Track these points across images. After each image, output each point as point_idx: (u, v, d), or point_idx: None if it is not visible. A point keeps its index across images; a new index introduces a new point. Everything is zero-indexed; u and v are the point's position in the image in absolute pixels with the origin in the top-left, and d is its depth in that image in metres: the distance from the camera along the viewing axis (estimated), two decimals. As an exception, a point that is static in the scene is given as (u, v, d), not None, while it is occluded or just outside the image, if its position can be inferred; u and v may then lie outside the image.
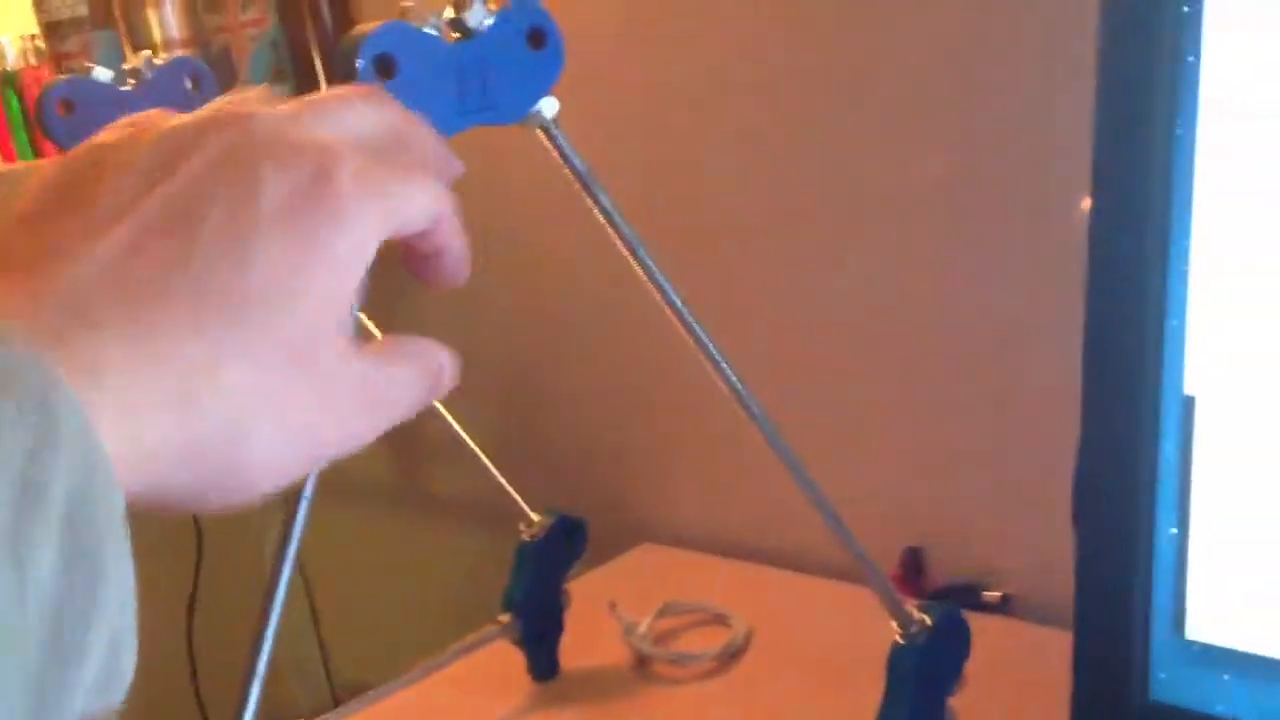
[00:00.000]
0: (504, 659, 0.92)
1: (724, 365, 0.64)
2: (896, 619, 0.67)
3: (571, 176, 0.59)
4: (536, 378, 1.22)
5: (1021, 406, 0.91)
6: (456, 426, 0.90)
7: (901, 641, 0.67)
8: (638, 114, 1.06)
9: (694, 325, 0.63)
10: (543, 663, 0.93)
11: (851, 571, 0.99)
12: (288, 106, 0.34)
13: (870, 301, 0.97)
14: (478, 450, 0.92)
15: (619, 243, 0.61)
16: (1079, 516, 0.57)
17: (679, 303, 0.62)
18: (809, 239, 0.99)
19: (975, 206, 0.89)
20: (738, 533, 1.10)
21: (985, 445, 0.94)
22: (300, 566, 1.47)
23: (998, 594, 0.89)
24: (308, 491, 0.56)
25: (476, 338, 1.21)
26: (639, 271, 0.61)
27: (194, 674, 1.42)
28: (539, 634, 0.93)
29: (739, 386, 0.64)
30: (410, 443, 1.34)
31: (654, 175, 1.05)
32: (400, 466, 1.37)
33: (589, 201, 0.59)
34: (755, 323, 1.01)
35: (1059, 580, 0.86)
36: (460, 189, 0.36)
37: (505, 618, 0.92)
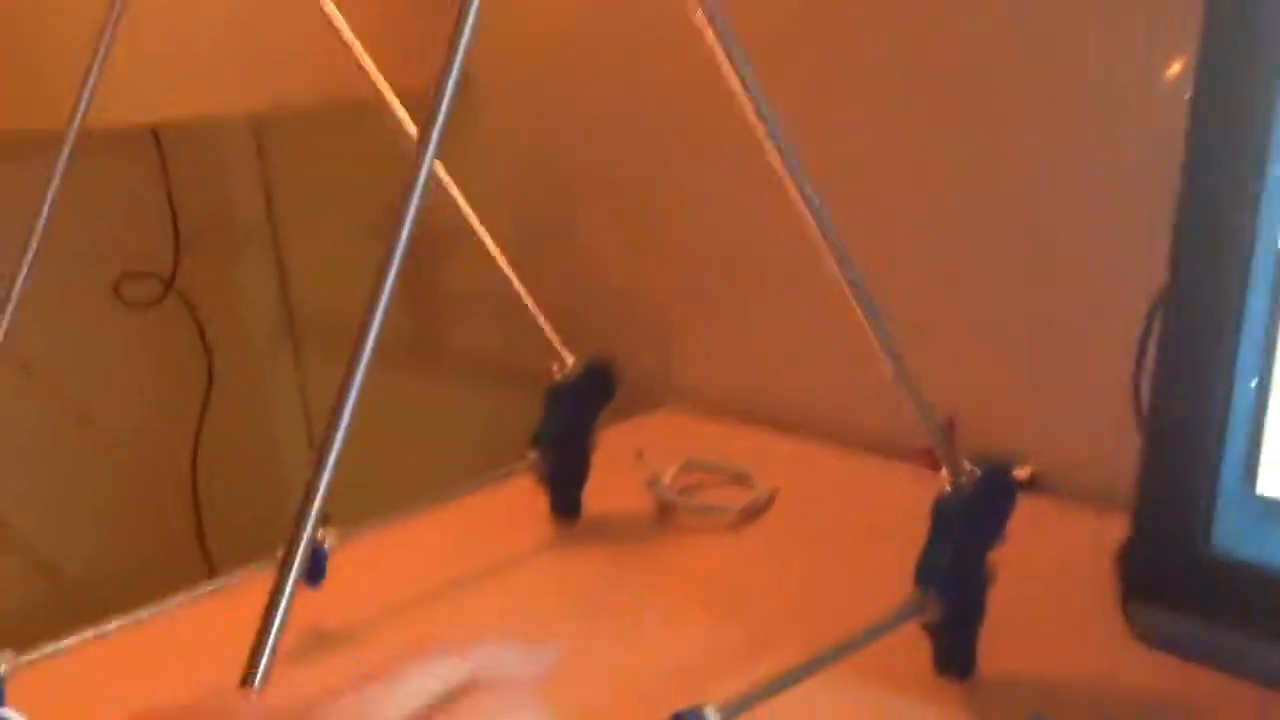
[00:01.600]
0: (527, 496, 0.93)
1: (827, 220, 0.62)
2: (947, 466, 0.67)
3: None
4: (569, 238, 1.21)
5: (1059, 285, 0.91)
6: (506, 266, 0.89)
7: (949, 489, 0.67)
8: None
9: (801, 179, 0.61)
10: (566, 501, 0.93)
11: (875, 443, 1.00)
12: (349, 692, 0.32)
13: (917, 170, 0.96)
14: (521, 289, 0.91)
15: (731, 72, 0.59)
16: (1159, 365, 0.57)
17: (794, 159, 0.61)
18: (881, 111, 0.97)
19: (1039, 80, 0.88)
20: (761, 400, 1.09)
21: (1021, 323, 0.93)
22: (308, 415, 1.47)
23: (1027, 471, 0.89)
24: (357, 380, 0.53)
25: (506, 193, 1.20)
26: (750, 111, 0.60)
27: (199, 525, 1.42)
28: (565, 473, 0.93)
29: (839, 245, 0.63)
30: (431, 291, 1.33)
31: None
32: (424, 314, 1.36)
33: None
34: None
35: (1089, 459, 0.87)
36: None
37: (532, 454, 0.92)
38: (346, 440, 0.51)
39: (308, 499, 0.51)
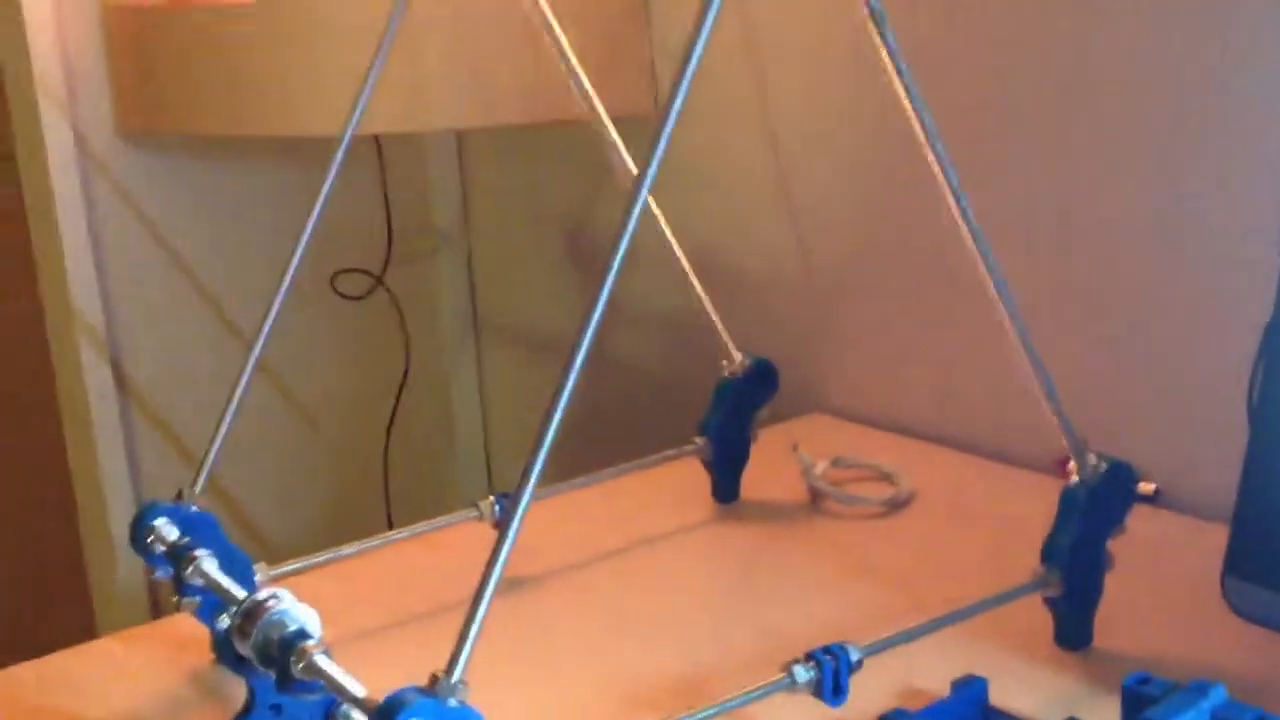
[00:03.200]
0: (692, 478, 1.04)
1: (985, 247, 0.72)
2: (1076, 460, 0.76)
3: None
4: (726, 251, 1.32)
5: (1186, 308, 0.98)
6: (683, 261, 1.01)
7: (1077, 480, 0.76)
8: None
9: (961, 199, 0.71)
10: (726, 486, 1.04)
11: (1013, 456, 1.09)
12: None
13: (1043, 199, 1.04)
14: (702, 294, 1.02)
15: (903, 95, 0.70)
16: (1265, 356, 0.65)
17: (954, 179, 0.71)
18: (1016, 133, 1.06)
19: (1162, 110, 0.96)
20: (904, 411, 1.19)
21: (1148, 343, 1.01)
22: (484, 402, 1.61)
23: (1151, 486, 0.97)
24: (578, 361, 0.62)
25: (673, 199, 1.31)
26: (919, 133, 0.70)
27: (385, 484, 1.57)
28: (727, 460, 1.04)
29: (995, 269, 0.73)
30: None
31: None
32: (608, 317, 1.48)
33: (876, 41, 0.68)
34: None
35: (1211, 475, 0.95)
36: None
37: (700, 440, 1.03)
38: (556, 436, 0.61)
39: (525, 477, 0.61)
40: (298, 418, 1.54)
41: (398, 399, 1.57)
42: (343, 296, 1.48)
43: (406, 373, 1.57)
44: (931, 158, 0.72)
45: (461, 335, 1.62)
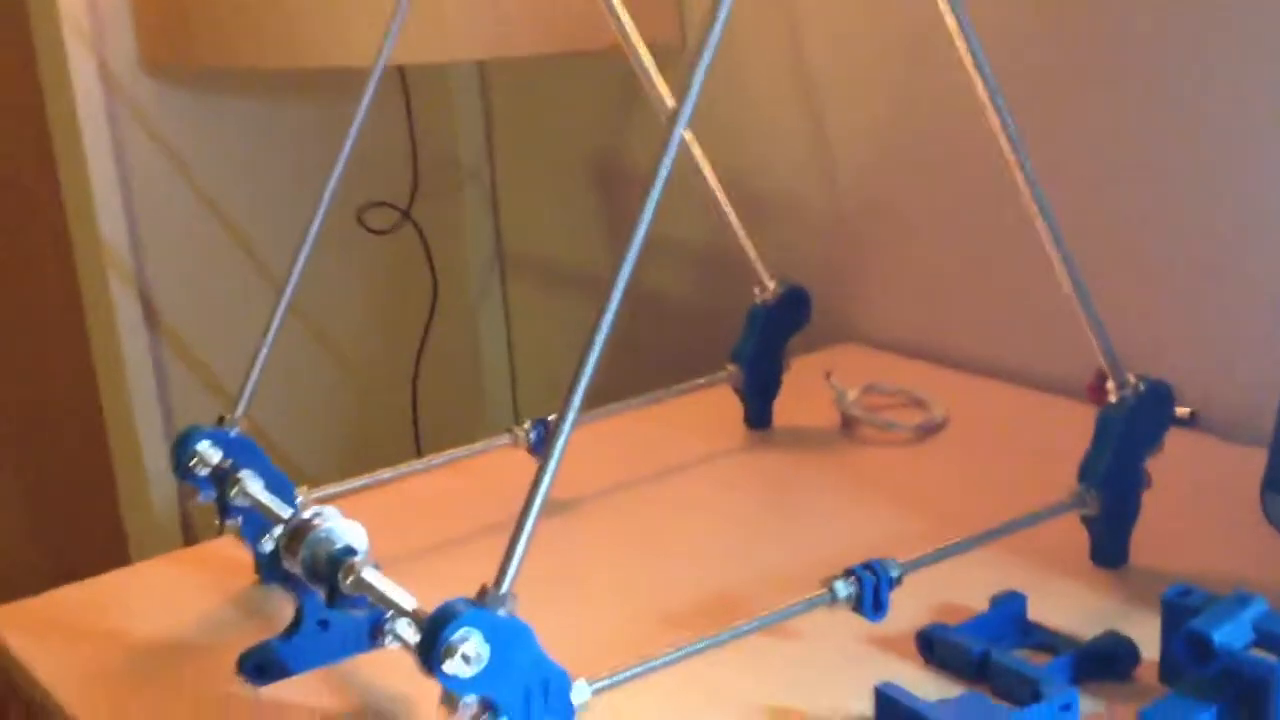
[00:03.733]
0: (724, 405, 1.04)
1: (1027, 162, 0.72)
2: (1115, 379, 0.76)
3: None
4: (757, 179, 1.32)
5: (1223, 231, 0.98)
6: (716, 188, 1.01)
7: (1113, 401, 0.76)
8: None
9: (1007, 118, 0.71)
10: (759, 413, 1.04)
11: (1044, 381, 1.09)
12: None
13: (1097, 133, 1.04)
14: (735, 221, 1.02)
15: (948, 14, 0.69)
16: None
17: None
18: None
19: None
20: (936, 338, 1.19)
21: (1182, 268, 1.01)
22: (510, 336, 1.62)
23: (1187, 410, 0.97)
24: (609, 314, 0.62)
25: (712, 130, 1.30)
26: (965, 58, 0.70)
27: (414, 416, 1.58)
28: (759, 387, 1.04)
29: (1038, 188, 0.73)
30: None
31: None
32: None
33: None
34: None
35: (1246, 399, 0.95)
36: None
37: (732, 368, 1.03)
38: (595, 370, 0.62)
39: (566, 402, 0.62)
40: (326, 351, 1.55)
41: (425, 332, 1.58)
42: (369, 230, 1.49)
43: (434, 306, 1.57)
44: (977, 80, 0.72)
45: (487, 268, 1.63)
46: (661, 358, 1.24)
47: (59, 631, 0.80)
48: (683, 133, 0.96)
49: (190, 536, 1.46)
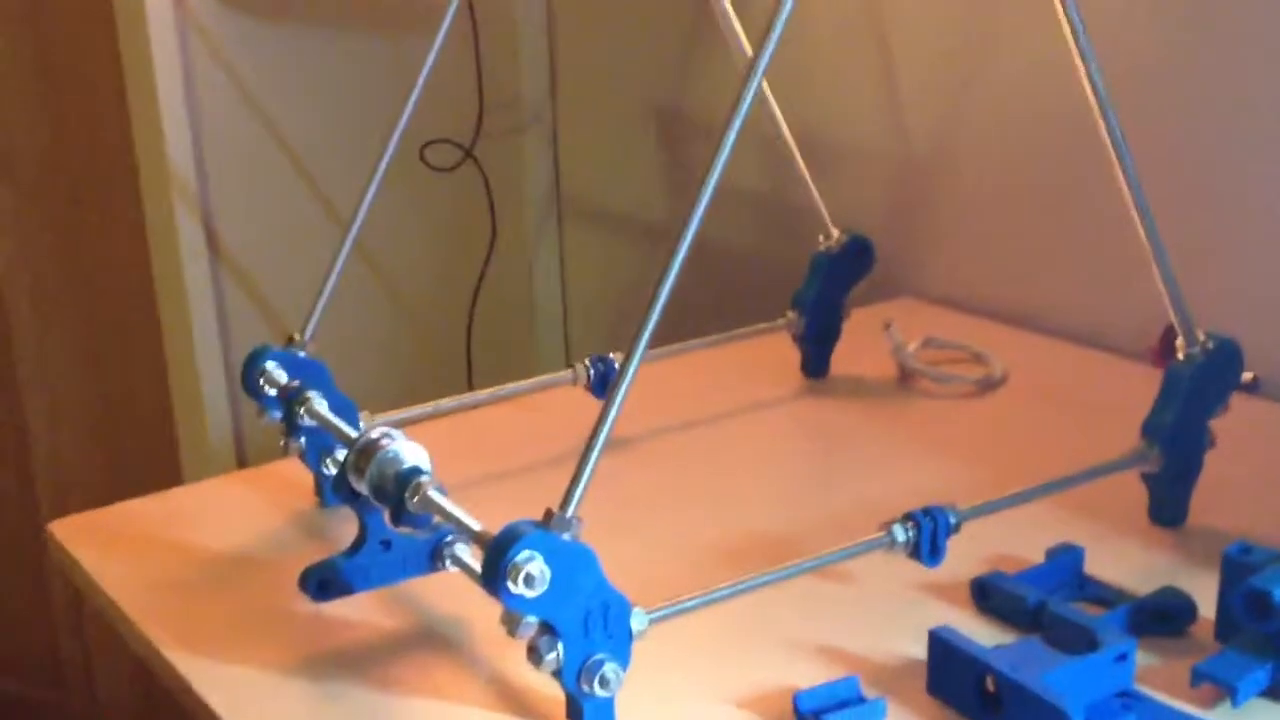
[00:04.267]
0: (783, 351, 1.04)
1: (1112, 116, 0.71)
2: (1184, 335, 0.76)
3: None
4: (821, 132, 1.31)
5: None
6: (787, 136, 1.00)
7: (1182, 358, 0.76)
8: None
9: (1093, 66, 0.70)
10: (817, 361, 1.04)
11: (1106, 341, 1.08)
12: None
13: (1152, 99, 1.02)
14: (803, 167, 1.02)
15: None
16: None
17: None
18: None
19: None
20: (996, 295, 1.18)
21: (1245, 233, 0.99)
22: (564, 278, 1.63)
23: (1250, 375, 0.96)
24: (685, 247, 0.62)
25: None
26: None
27: (468, 354, 1.59)
28: (819, 335, 1.04)
29: (1120, 139, 0.72)
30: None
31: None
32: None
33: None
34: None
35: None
36: None
37: (792, 314, 1.03)
38: (662, 313, 0.62)
39: (634, 341, 0.62)
40: (382, 286, 1.56)
41: (482, 271, 1.58)
42: (431, 168, 1.49)
43: (491, 245, 1.58)
44: (1065, 21, 0.71)
45: (545, 210, 1.63)
46: (721, 305, 1.24)
47: (125, 543, 0.82)
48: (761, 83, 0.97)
49: (244, 467, 1.48)
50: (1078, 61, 0.72)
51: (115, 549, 0.81)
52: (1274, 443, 0.90)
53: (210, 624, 0.73)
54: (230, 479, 0.93)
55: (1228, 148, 1.00)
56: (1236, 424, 0.80)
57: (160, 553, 0.81)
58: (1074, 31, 0.71)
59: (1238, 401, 0.81)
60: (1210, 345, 0.76)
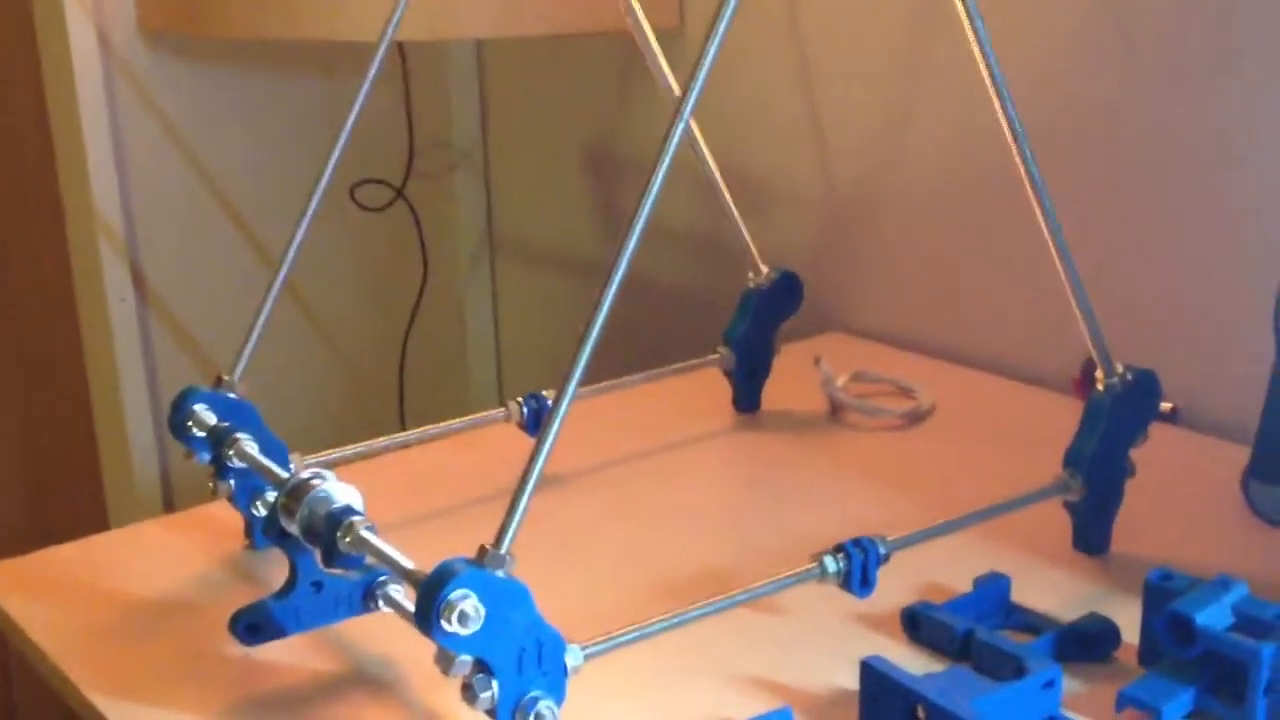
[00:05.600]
0: (713, 387, 1.05)
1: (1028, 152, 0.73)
2: (1103, 367, 0.77)
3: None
4: (748, 169, 1.33)
5: (1211, 231, 0.99)
6: (715, 174, 1.02)
7: (1101, 389, 0.78)
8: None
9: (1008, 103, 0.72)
10: (748, 396, 1.05)
11: (1028, 373, 1.10)
12: None
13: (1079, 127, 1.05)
14: (731, 204, 1.03)
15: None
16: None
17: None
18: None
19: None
20: (923, 330, 1.20)
21: (1162, 268, 1.02)
22: (497, 318, 1.63)
23: (1169, 405, 0.99)
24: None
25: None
26: (970, 38, 0.71)
27: (400, 393, 1.59)
28: (749, 370, 1.05)
29: (1036, 175, 0.74)
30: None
31: None
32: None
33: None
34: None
35: (1228, 396, 0.97)
36: None
37: (723, 350, 1.04)
38: (595, 350, 0.62)
39: (566, 377, 0.62)
40: (313, 326, 1.55)
41: (414, 310, 1.58)
42: (362, 208, 1.49)
43: (424, 285, 1.58)
44: (984, 69, 0.73)
45: (478, 249, 1.63)
46: (652, 341, 1.25)
47: (51, 589, 0.81)
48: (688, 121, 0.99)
49: (170, 509, 1.46)
50: (996, 103, 0.74)
51: (41, 595, 0.80)
52: (1193, 472, 0.92)
53: (140, 669, 0.72)
54: (158, 523, 0.92)
55: (1146, 185, 1.03)
56: (1156, 453, 0.82)
57: (87, 599, 0.79)
58: (990, 72, 0.73)
59: (1157, 431, 0.83)
60: (1129, 376, 0.78)
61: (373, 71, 0.87)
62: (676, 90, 0.96)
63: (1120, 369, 0.78)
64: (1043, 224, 0.76)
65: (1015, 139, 0.75)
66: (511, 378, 1.68)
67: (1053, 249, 0.77)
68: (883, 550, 0.70)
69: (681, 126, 0.63)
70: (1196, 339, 1.01)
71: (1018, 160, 0.74)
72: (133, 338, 1.41)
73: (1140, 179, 1.03)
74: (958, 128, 1.14)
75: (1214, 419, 0.98)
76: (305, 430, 1.52)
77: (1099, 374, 0.78)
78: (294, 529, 0.68)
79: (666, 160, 0.63)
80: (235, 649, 0.72)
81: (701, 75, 0.63)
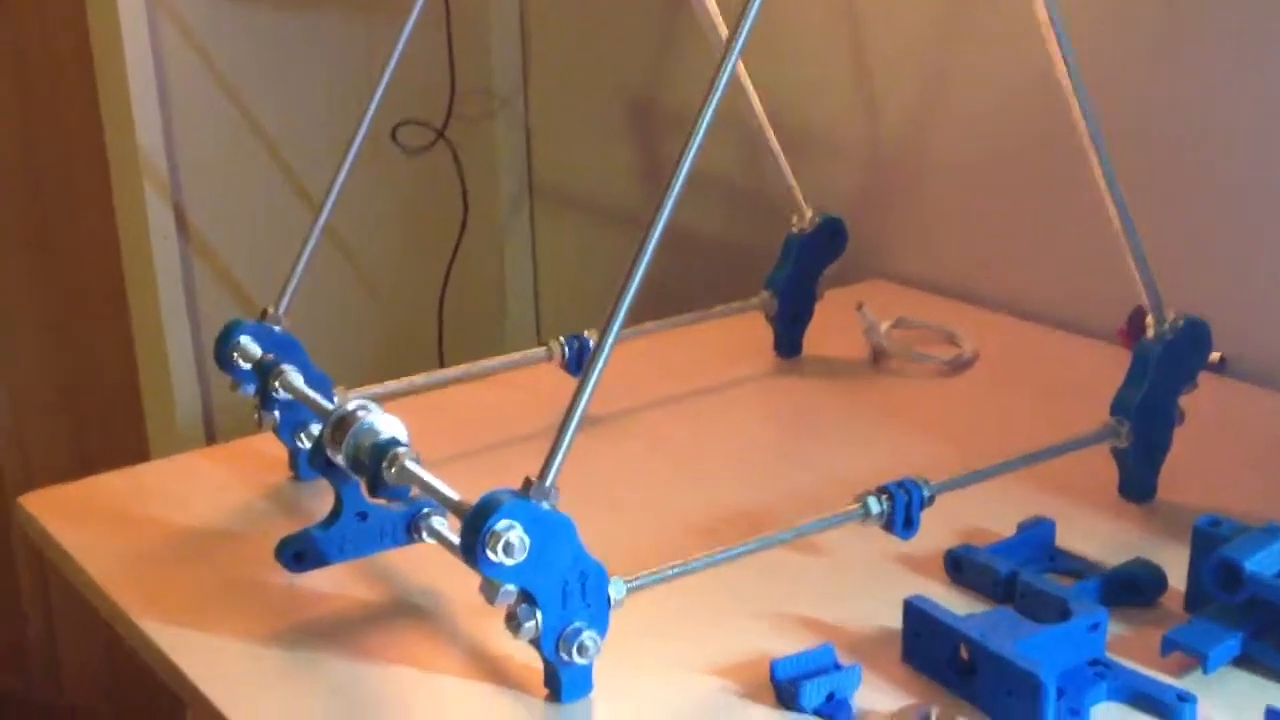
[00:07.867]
0: (756, 331, 1.05)
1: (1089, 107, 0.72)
2: (1154, 315, 0.76)
3: None
4: (794, 115, 1.31)
5: (1257, 184, 0.97)
6: (762, 117, 1.01)
7: (1152, 336, 0.77)
8: None
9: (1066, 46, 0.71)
10: (790, 341, 1.05)
11: (1073, 321, 1.09)
12: None
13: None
14: (774, 142, 1.02)
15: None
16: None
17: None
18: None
19: None
20: (967, 277, 1.19)
21: (1211, 219, 1.01)
22: (535, 261, 1.62)
23: (1217, 355, 0.97)
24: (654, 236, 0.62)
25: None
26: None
27: (440, 335, 1.59)
28: (791, 315, 1.04)
29: (1094, 121, 0.73)
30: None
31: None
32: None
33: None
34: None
35: (1276, 345, 0.95)
36: None
37: (766, 295, 1.04)
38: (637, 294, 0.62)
39: (610, 316, 0.62)
40: (354, 265, 1.55)
41: (454, 251, 1.58)
42: (403, 149, 1.49)
43: (463, 227, 1.57)
44: (1042, 12, 0.71)
45: (517, 193, 1.63)
46: (694, 287, 1.25)
47: (95, 517, 0.81)
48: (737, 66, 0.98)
49: (212, 444, 1.47)
50: (1053, 47, 0.73)
51: (86, 522, 0.81)
52: (1240, 421, 0.91)
53: (185, 595, 0.72)
54: (202, 454, 0.92)
55: (1200, 133, 1.01)
56: (1204, 402, 0.81)
57: (133, 526, 0.80)
58: (1049, 18, 0.72)
59: (1205, 381, 0.82)
60: (1180, 324, 0.77)
61: (415, 12, 0.87)
62: (724, 33, 0.95)
63: (1171, 315, 0.77)
64: (1098, 170, 0.75)
65: (1071, 83, 0.73)
66: (549, 321, 1.68)
67: (1108, 198, 0.76)
68: (926, 493, 0.70)
69: (729, 70, 0.62)
70: (1245, 289, 0.99)
71: (1073, 104, 0.73)
72: (175, 276, 1.41)
73: (1196, 126, 1.01)
74: (1007, 71, 1.12)
75: (1263, 369, 0.97)
76: (346, 368, 1.53)
77: (1149, 321, 0.77)
78: (340, 459, 0.68)
79: (714, 102, 0.62)
80: (280, 577, 0.73)
81: (750, 17, 0.62)
